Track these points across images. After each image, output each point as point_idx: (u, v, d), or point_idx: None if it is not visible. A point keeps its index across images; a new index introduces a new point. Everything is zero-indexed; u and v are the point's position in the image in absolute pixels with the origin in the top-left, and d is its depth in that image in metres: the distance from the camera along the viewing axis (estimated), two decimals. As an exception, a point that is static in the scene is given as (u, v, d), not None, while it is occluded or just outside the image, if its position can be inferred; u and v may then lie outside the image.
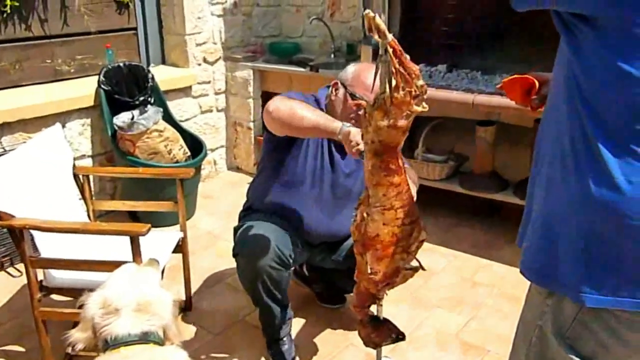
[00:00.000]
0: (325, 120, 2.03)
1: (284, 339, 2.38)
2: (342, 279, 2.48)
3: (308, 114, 2.05)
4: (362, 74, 2.23)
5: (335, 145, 2.32)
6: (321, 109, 2.32)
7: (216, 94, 4.35)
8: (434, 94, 3.20)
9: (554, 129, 1.22)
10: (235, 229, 2.37)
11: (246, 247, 2.21)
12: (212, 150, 4.38)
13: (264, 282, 2.21)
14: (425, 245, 1.80)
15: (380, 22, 1.34)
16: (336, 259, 2.44)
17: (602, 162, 1.11)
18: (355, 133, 1.92)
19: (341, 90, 2.27)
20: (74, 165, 2.64)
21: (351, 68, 2.30)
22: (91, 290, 1.56)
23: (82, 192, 2.67)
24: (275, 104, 2.11)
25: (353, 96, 2.21)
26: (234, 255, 2.31)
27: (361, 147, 1.88)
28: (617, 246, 1.13)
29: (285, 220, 2.31)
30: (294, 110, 2.06)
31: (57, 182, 2.54)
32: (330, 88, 2.33)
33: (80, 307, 1.54)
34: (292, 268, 2.32)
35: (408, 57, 1.39)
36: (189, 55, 4.08)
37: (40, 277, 2.25)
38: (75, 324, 1.58)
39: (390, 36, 1.36)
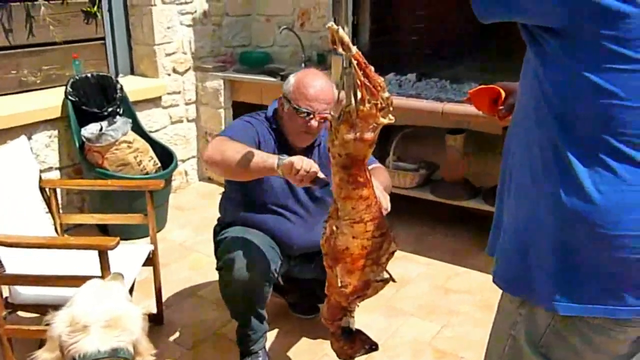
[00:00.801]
0: (259, 160, 1.99)
1: (259, 352, 2.36)
2: (319, 288, 2.46)
3: (241, 160, 2.00)
4: (302, 85, 2.19)
5: (295, 154, 2.28)
6: (274, 128, 2.30)
7: (186, 104, 4.32)
8: (404, 102, 3.23)
9: (523, 139, 1.23)
10: (217, 243, 2.34)
11: (232, 261, 2.17)
12: (183, 161, 4.34)
13: (248, 297, 2.20)
14: (398, 253, 1.80)
15: (344, 34, 1.34)
16: (316, 269, 2.41)
17: (572, 171, 1.12)
18: (297, 161, 1.86)
19: (286, 105, 2.24)
20: (40, 178, 2.60)
21: (291, 80, 2.25)
22: (58, 306, 1.53)
23: (48, 205, 2.62)
24: (208, 153, 2.10)
25: (298, 110, 2.18)
26: (218, 269, 2.28)
27: (313, 169, 1.85)
28: (588, 254, 1.14)
29: (266, 233, 2.29)
30: (226, 158, 2.04)
31: (23, 196, 2.49)
32: (277, 103, 2.31)
33: (47, 326, 1.51)
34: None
35: (373, 69, 1.39)
36: (159, 66, 4.04)
37: (5, 293, 2.20)
38: (42, 342, 1.54)
39: (354, 48, 1.36)
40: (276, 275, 2.23)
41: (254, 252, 2.16)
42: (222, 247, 2.26)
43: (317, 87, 2.18)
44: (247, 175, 2.09)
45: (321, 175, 1.89)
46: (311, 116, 2.18)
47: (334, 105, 2.24)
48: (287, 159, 1.92)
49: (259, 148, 2.22)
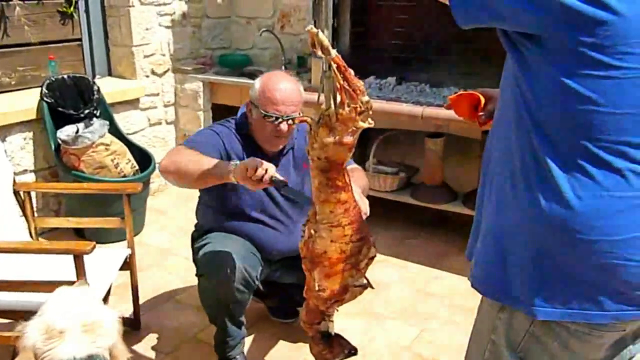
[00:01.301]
0: (211, 167, 1.95)
1: (237, 357, 2.34)
2: (299, 292, 2.44)
3: (194, 168, 1.97)
4: (267, 89, 2.17)
5: (268, 160, 2.27)
6: (244, 134, 2.27)
7: (165, 106, 4.28)
8: (384, 106, 3.24)
9: (503, 144, 1.23)
10: (197, 249, 2.31)
11: (213, 268, 2.14)
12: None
13: (227, 304, 2.18)
14: (377, 257, 1.79)
15: (324, 38, 1.33)
16: (296, 274, 2.38)
17: (551, 177, 1.13)
18: (250, 162, 1.80)
19: (254, 111, 2.21)
20: (14, 181, 2.55)
21: (257, 84, 2.22)
22: (32, 312, 1.49)
23: (23, 209, 2.57)
24: (163, 163, 2.07)
25: (266, 115, 2.16)
26: (198, 276, 2.25)
27: (271, 170, 1.81)
28: (567, 260, 1.15)
29: (245, 239, 2.27)
30: (179, 167, 2.01)
31: (-4, 200, 2.44)
32: (246, 108, 2.28)
33: (19, 336, 1.48)
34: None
35: (352, 72, 1.38)
36: (137, 67, 4.00)
37: (-23, 299, 2.15)
38: (15, 349, 1.51)
39: (333, 52, 1.34)
40: (257, 282, 2.21)
41: (234, 259, 2.13)
42: (202, 253, 2.23)
43: (282, 90, 2.16)
44: (202, 183, 2.06)
45: (278, 175, 1.86)
46: (280, 120, 2.16)
47: (302, 105, 2.23)
48: (236, 164, 1.86)
49: (227, 157, 2.20)
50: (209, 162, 1.99)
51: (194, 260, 2.32)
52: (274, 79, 2.19)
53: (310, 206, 1.78)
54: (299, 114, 2.21)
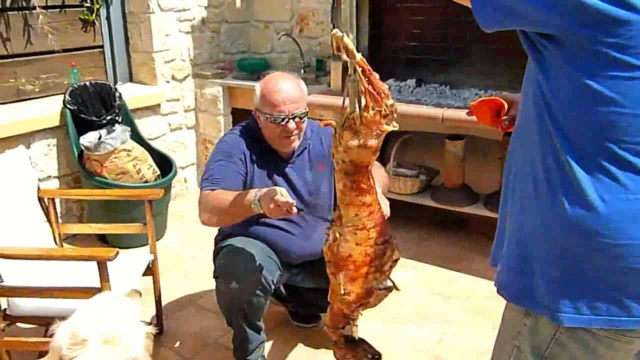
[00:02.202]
0: (238, 202, 2.03)
1: (257, 361, 2.34)
2: (320, 297, 2.44)
3: (226, 208, 2.07)
4: (267, 93, 2.19)
5: (282, 163, 2.30)
6: (256, 139, 2.29)
7: (185, 111, 4.30)
8: (404, 108, 3.22)
9: (526, 148, 1.22)
10: (217, 251, 2.32)
11: (230, 271, 2.15)
12: (182, 168, 4.32)
13: (243, 308, 2.18)
14: (397, 259, 1.78)
15: (349, 41, 1.33)
16: (317, 278, 2.39)
17: (575, 180, 1.11)
18: (273, 193, 1.88)
19: (261, 116, 2.23)
20: (38, 188, 2.58)
21: (257, 90, 2.25)
22: (56, 318, 1.51)
23: (47, 215, 2.60)
24: (202, 219, 2.20)
25: (271, 118, 2.18)
26: (215, 277, 2.26)
27: (290, 200, 1.86)
28: (592, 264, 1.13)
29: (266, 244, 2.28)
30: (214, 213, 2.13)
31: (21, 206, 2.47)
32: (254, 115, 2.30)
33: (51, 335, 1.49)
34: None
35: (377, 76, 1.38)
36: (157, 73, 4.03)
37: (4, 305, 2.17)
38: (40, 353, 1.52)
39: (358, 55, 1.34)
40: (273, 286, 2.20)
41: (250, 263, 2.14)
42: (220, 256, 2.25)
43: (282, 90, 2.18)
44: (238, 218, 2.14)
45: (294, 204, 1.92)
46: (286, 120, 2.17)
47: (305, 100, 2.25)
48: (259, 194, 1.95)
49: (244, 165, 2.25)
50: (234, 198, 2.07)
51: (214, 263, 2.33)
52: (272, 82, 2.21)
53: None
54: (305, 109, 2.23)
